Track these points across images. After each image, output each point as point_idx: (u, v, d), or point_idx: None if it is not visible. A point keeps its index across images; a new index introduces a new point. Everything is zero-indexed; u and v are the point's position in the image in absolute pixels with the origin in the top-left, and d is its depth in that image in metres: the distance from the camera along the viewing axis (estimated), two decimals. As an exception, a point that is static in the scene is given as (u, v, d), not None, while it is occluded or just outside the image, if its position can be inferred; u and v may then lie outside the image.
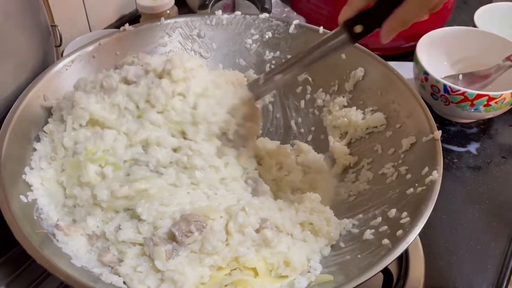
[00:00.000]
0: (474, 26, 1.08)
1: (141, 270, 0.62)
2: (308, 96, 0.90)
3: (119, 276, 0.62)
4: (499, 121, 1.01)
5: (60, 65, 0.80)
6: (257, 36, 0.92)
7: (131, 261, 0.63)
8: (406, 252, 0.75)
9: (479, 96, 0.89)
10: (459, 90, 0.90)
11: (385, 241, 0.62)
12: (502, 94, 0.89)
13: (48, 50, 0.84)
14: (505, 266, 0.76)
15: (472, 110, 0.92)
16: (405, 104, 0.77)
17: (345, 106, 0.86)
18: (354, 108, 0.84)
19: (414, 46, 0.99)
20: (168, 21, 0.91)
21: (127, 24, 0.88)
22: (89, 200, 0.69)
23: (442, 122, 1.00)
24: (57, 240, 0.64)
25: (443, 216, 0.83)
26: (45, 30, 0.83)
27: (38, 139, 0.75)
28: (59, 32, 0.87)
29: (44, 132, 0.75)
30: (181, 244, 0.63)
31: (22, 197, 0.67)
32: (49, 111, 0.78)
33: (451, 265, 0.77)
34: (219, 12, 0.91)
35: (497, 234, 0.81)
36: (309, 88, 0.90)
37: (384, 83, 0.81)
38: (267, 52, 0.92)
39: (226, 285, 0.62)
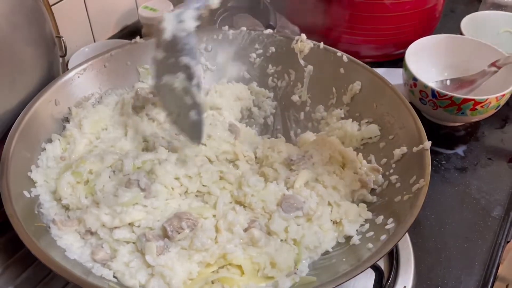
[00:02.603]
0: (461, 33, 1.09)
1: (133, 266, 0.62)
2: (307, 109, 0.91)
3: (110, 269, 0.63)
4: (485, 124, 1.01)
5: (73, 73, 0.82)
6: (261, 51, 0.93)
7: (123, 257, 0.63)
8: (396, 250, 0.76)
9: (465, 101, 0.90)
10: (446, 95, 0.90)
11: (369, 245, 0.63)
12: (487, 99, 0.89)
13: (53, 60, 0.84)
14: (492, 263, 0.77)
15: (459, 114, 0.92)
16: (398, 116, 0.78)
17: (342, 118, 0.87)
18: (350, 120, 0.85)
19: (404, 53, 0.99)
20: None
21: (138, 36, 0.90)
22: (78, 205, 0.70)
23: (431, 125, 1.00)
24: (52, 233, 0.65)
25: (432, 216, 0.83)
26: (51, 41, 0.83)
27: (48, 141, 0.76)
28: (64, 43, 0.88)
29: (59, 135, 0.77)
30: (171, 239, 0.64)
31: (25, 193, 0.68)
32: (60, 116, 0.80)
33: (440, 262, 0.77)
34: (226, 27, 0.92)
35: (484, 232, 0.81)
36: (308, 101, 0.91)
37: (380, 96, 0.81)
38: (270, 66, 0.93)
39: (212, 282, 0.63)
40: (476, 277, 0.75)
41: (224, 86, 0.91)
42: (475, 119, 0.95)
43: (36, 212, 0.68)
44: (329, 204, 0.71)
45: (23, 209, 0.64)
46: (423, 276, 0.74)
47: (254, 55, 0.93)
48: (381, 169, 0.76)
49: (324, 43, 0.89)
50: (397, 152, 0.75)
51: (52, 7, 0.87)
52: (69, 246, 0.65)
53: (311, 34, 0.91)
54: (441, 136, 0.99)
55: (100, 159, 0.73)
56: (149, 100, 0.83)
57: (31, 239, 0.59)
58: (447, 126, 1.01)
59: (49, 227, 0.66)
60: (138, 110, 0.84)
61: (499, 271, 0.78)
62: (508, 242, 0.82)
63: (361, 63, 0.85)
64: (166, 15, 0.64)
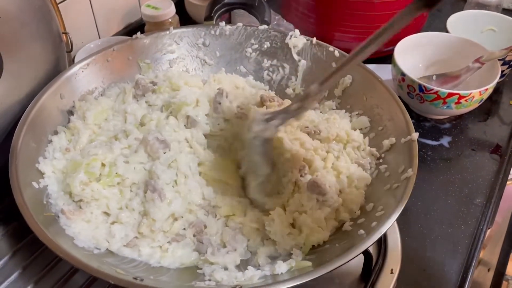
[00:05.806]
0: (447, 31, 1.08)
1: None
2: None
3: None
4: (469, 117, 1.01)
5: (77, 67, 0.81)
6: (256, 46, 0.92)
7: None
8: (384, 235, 0.75)
9: (450, 95, 0.90)
10: (432, 89, 0.90)
11: (361, 231, 0.62)
12: (471, 93, 0.89)
13: (60, 56, 0.84)
14: (474, 247, 0.77)
15: (445, 108, 0.92)
16: (387, 108, 0.77)
17: (333, 110, 0.86)
18: (343, 111, 0.84)
19: (393, 50, 0.99)
20: (177, 30, 0.91)
21: (139, 32, 0.89)
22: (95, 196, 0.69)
23: (418, 118, 1.01)
24: (61, 222, 0.65)
25: (418, 203, 0.83)
26: (57, 37, 0.83)
27: (54, 133, 0.76)
28: (70, 39, 0.87)
29: (64, 127, 0.76)
30: None
31: (34, 183, 0.67)
32: (65, 109, 0.79)
33: (425, 247, 0.77)
34: (223, 23, 0.92)
35: (467, 218, 0.81)
36: (302, 93, 0.90)
37: (370, 90, 0.81)
38: (265, 60, 0.93)
39: None
40: (460, 261, 0.75)
41: (222, 75, 0.91)
42: (460, 112, 0.95)
43: (45, 202, 0.67)
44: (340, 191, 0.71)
45: (31, 199, 0.63)
46: (410, 259, 0.75)
47: (250, 49, 0.93)
48: (378, 154, 0.75)
49: (316, 39, 0.88)
50: (386, 143, 0.74)
51: (59, 5, 0.86)
52: (77, 235, 0.64)
53: (305, 30, 0.91)
54: (427, 128, 0.99)
55: (109, 150, 0.72)
56: (148, 88, 0.83)
57: (40, 228, 0.58)
58: (433, 119, 1.01)
59: (58, 217, 0.65)
60: (138, 99, 0.83)
61: (481, 256, 0.78)
62: (489, 228, 0.82)
63: None
64: (257, 115, 0.72)
